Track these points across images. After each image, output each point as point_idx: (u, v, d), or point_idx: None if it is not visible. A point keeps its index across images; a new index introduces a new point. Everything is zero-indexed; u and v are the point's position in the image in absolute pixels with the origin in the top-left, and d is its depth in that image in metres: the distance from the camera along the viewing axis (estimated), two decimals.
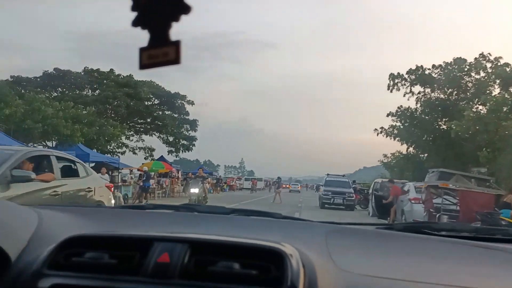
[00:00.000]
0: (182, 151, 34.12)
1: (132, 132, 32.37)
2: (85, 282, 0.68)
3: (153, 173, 23.27)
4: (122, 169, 21.56)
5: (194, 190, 14.93)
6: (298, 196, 38.43)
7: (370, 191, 17.38)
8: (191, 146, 34.74)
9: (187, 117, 35.18)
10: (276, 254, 0.71)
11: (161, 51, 0.44)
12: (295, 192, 54.26)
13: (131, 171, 21.50)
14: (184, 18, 0.44)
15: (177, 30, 0.43)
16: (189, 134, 34.73)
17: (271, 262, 0.70)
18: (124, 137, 30.94)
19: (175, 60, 0.43)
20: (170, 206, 1.39)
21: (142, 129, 32.83)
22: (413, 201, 11.47)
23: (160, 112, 32.98)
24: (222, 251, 0.73)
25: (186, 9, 0.42)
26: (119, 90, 29.14)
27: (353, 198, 20.28)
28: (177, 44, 0.43)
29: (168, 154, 33.02)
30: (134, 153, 31.30)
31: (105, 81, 29.97)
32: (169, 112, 33.65)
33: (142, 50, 0.44)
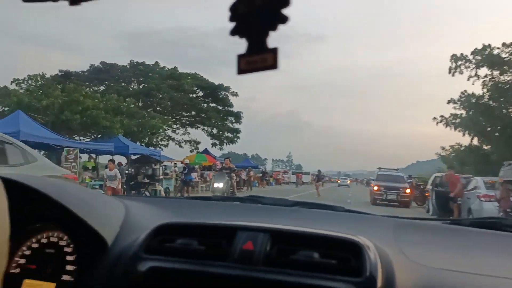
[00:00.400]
0: (226, 144, 33.87)
1: (178, 125, 32.82)
2: (179, 265, 0.76)
3: (197, 166, 23.31)
4: (164, 162, 21.61)
5: (218, 185, 12.64)
6: (347, 191, 37.11)
7: (429, 186, 16.29)
8: (235, 139, 34.36)
9: (231, 109, 34.82)
10: (354, 245, 0.76)
11: (260, 57, 0.47)
12: (344, 186, 54.05)
13: (175, 164, 21.55)
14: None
15: (275, 37, 0.45)
16: (233, 126, 34.47)
17: (350, 253, 0.75)
18: (170, 130, 31.43)
19: (273, 66, 0.46)
20: (235, 198, 1.50)
21: (187, 122, 33.15)
22: (483, 199, 10.40)
23: (204, 105, 32.99)
24: (301, 241, 0.78)
25: (284, 19, 0.45)
26: (163, 82, 29.70)
27: (408, 194, 18.72)
28: (274, 51, 0.46)
29: (212, 147, 33.07)
30: (180, 146, 31.67)
31: (150, 74, 30.47)
32: (213, 105, 33.67)
33: (240, 57, 0.47)
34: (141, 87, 30.46)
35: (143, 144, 23.98)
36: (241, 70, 0.47)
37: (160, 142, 29.51)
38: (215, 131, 33.02)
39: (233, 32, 0.48)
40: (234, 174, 12.44)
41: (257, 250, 0.76)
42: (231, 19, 0.48)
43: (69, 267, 0.88)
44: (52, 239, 0.91)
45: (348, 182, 63.42)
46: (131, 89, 30.04)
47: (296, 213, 1.25)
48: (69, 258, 0.89)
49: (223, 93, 33.74)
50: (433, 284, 0.77)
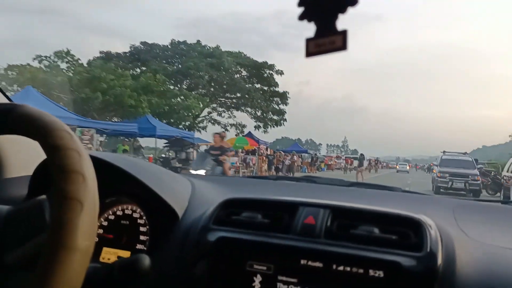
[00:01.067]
0: (271, 126, 32.46)
1: (224, 108, 32.43)
2: (246, 236, 0.83)
3: (239, 150, 22.70)
4: (199, 145, 21.10)
5: (198, 172, 8.08)
6: (405, 177, 34.95)
7: (506, 173, 14.55)
8: (281, 121, 32.84)
9: (276, 89, 33.22)
10: (414, 222, 0.80)
11: (328, 40, 0.48)
12: (403, 172, 52.19)
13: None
14: None
15: (343, 19, 0.49)
16: (279, 108, 33.02)
17: (409, 229, 0.79)
18: (216, 113, 31.55)
19: (342, 47, 0.47)
20: (291, 177, 1.58)
21: (232, 105, 32.54)
22: None
23: (249, 85, 31.81)
24: (361, 217, 0.83)
25: (354, 1, 0.45)
26: (202, 61, 29.19)
27: (478, 182, 16.59)
28: (344, 33, 0.46)
29: (255, 130, 32.26)
30: (226, 129, 31.11)
31: (191, 52, 29.91)
32: (258, 85, 32.63)
33: (308, 40, 0.48)
34: (180, 66, 30.11)
35: (181, 126, 22.62)
36: (310, 53, 0.49)
37: (198, 125, 28.09)
38: (259, 113, 31.99)
39: (302, 17, 0.50)
40: (226, 156, 8.98)
41: (318, 224, 0.82)
42: (300, 3, 0.50)
43: (142, 238, 0.98)
44: (126, 211, 1.02)
45: (408, 167, 61.12)
46: (170, 69, 29.72)
47: (353, 192, 1.29)
48: (142, 229, 0.99)
49: (267, 71, 32.30)
50: (494, 260, 0.79)
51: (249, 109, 31.89)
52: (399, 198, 1.24)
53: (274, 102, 32.55)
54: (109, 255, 0.97)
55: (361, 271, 0.73)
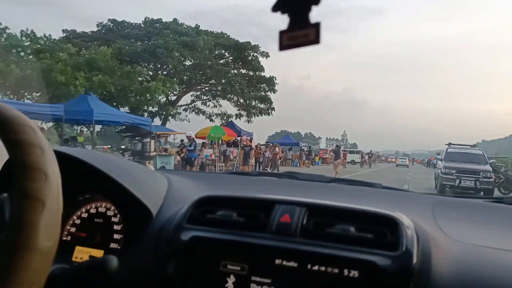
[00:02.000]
0: (255, 115, 30.47)
1: (208, 96, 30.78)
2: (220, 235, 0.86)
3: (218, 142, 21.49)
4: (158, 134, 19.31)
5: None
6: (405, 172, 34.04)
7: None
8: (269, 110, 30.73)
9: (262, 74, 31.14)
10: (390, 221, 0.83)
11: (301, 32, 0.49)
12: (403, 166, 53.05)
13: (190, 137, 17.60)
14: None
15: (317, 12, 0.51)
16: (267, 95, 31.02)
17: (386, 228, 0.82)
18: (200, 102, 30.01)
19: (315, 41, 0.48)
20: (272, 173, 1.66)
21: (218, 92, 30.53)
22: None
23: (226, 68, 29.46)
24: (337, 215, 0.86)
25: None
26: (174, 39, 26.69)
27: (491, 180, 14.11)
28: (317, 26, 0.48)
29: (236, 118, 30.59)
30: (211, 120, 29.89)
31: (164, 31, 28.08)
32: (242, 70, 30.63)
33: (282, 33, 0.49)
34: (149, 44, 27.92)
35: (146, 113, 19.58)
36: (283, 46, 0.50)
37: (173, 112, 26.97)
38: (241, 100, 30.14)
39: (275, 8, 0.51)
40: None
41: (294, 222, 0.84)
42: None
43: (116, 236, 1.00)
44: (100, 209, 1.04)
45: (407, 162, 62.35)
46: (136, 48, 27.31)
47: (333, 189, 1.33)
48: (116, 227, 1.01)
49: (251, 53, 30.13)
50: (471, 260, 0.82)
51: (230, 96, 29.99)
52: (379, 194, 1.29)
53: (261, 89, 30.65)
54: (82, 254, 1.01)
55: (336, 270, 0.77)
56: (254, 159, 21.36)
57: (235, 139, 23.14)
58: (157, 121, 27.19)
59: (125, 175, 1.00)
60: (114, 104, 18.08)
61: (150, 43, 27.20)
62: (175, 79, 26.25)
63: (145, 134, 15.52)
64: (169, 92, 26.00)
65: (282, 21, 0.51)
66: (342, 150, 44.68)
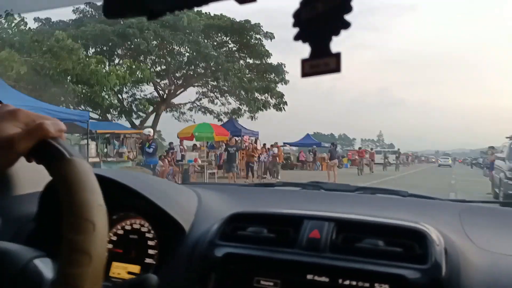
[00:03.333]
0: (260, 109, 26.97)
1: (216, 93, 27.87)
2: (252, 252, 0.96)
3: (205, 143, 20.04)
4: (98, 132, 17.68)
5: None
6: (448, 174, 31.85)
7: None
8: (281, 105, 27.78)
9: (268, 61, 27.23)
10: (418, 234, 0.92)
11: (323, 61, 0.53)
12: (445, 166, 52.68)
13: (149, 137, 13.56)
14: None
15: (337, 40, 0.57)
16: (275, 86, 27.55)
17: (414, 241, 0.91)
18: (207, 100, 27.80)
19: (336, 69, 0.53)
20: (297, 183, 1.70)
21: (226, 89, 27.30)
22: None
23: (218, 52, 24.95)
24: (366, 229, 0.96)
25: (347, 25, 0.51)
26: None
27: None
28: (337, 55, 0.52)
29: (235, 117, 27.87)
30: (220, 119, 27.45)
31: None
32: (251, 61, 27.38)
33: (304, 61, 0.54)
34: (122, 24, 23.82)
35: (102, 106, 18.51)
36: (305, 74, 0.56)
37: (164, 111, 24.53)
38: (243, 92, 26.37)
39: (297, 37, 0.56)
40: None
41: (323, 238, 0.94)
42: (294, 24, 0.56)
43: (151, 251, 1.12)
44: (134, 226, 1.17)
45: (450, 161, 62.12)
46: (107, 32, 23.02)
47: (359, 198, 1.42)
48: (150, 243, 1.13)
49: (252, 35, 26.06)
50: (500, 270, 0.89)
51: (230, 88, 26.74)
52: (405, 203, 1.36)
53: (267, 79, 27.02)
54: (119, 269, 1.11)
55: (367, 285, 0.85)
56: (246, 163, 18.60)
57: (236, 139, 19.59)
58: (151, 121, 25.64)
59: (156, 193, 1.13)
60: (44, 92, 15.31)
61: (122, 23, 22.97)
62: (150, 66, 23.31)
63: (80, 132, 13.79)
64: (146, 83, 22.22)
65: (304, 49, 0.55)
66: (370, 149, 40.49)
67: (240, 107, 27.65)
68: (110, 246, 1.18)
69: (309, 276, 0.89)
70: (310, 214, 1.01)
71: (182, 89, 28.07)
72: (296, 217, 1.01)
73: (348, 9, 0.49)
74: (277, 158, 20.52)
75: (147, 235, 1.16)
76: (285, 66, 27.07)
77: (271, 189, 1.67)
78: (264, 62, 26.72)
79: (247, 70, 26.46)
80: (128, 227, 1.19)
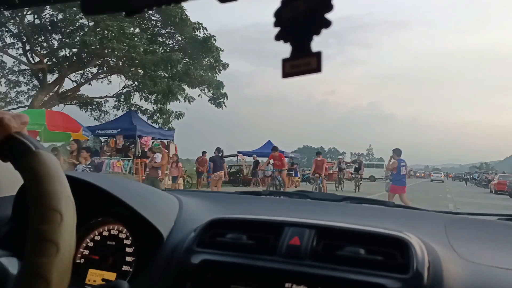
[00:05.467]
0: (168, 101, 22.05)
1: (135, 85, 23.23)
2: (230, 259, 1.01)
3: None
4: None
5: None
6: (442, 191, 31.36)
7: None
8: (220, 100, 23.45)
9: (195, 34, 21.82)
10: (400, 242, 0.97)
11: (303, 61, 0.58)
12: (438, 181, 56.26)
13: None
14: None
15: (318, 41, 0.61)
16: (213, 76, 23.03)
17: (396, 250, 0.95)
18: (139, 96, 23.62)
19: (316, 69, 0.57)
20: (284, 193, 1.89)
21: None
22: None
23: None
24: (347, 237, 1.01)
25: (327, 24, 0.56)
26: None
27: None
28: (318, 55, 0.57)
29: (147, 117, 23.54)
30: (155, 121, 23.28)
31: None
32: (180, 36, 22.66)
33: (284, 61, 0.59)
34: None
35: None
36: (286, 74, 0.61)
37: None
38: (150, 85, 21.06)
39: (278, 37, 0.62)
40: None
41: (304, 245, 0.99)
42: (276, 24, 0.62)
43: (128, 258, 1.18)
44: (112, 232, 1.23)
45: (442, 176, 66.88)
46: None
47: (345, 208, 1.52)
48: (128, 250, 1.20)
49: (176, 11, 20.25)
50: (482, 282, 0.94)
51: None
52: (391, 213, 1.46)
53: (205, 65, 22.31)
54: (95, 277, 1.17)
55: None
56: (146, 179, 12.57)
57: (123, 140, 17.39)
58: None
59: (136, 198, 1.18)
60: None
61: None
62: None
63: None
64: None
65: (286, 49, 0.62)
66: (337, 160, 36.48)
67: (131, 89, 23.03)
68: (87, 252, 1.23)
69: (287, 285, 0.94)
70: (290, 221, 1.06)
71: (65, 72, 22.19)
72: (277, 224, 1.06)
73: (329, 8, 0.55)
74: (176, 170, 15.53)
75: (125, 241, 1.22)
76: (215, 40, 21.77)
77: (257, 197, 1.76)
78: (193, 36, 21.42)
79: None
80: (106, 233, 1.24)
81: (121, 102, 24.61)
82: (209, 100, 23.78)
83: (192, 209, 1.34)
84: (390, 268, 0.91)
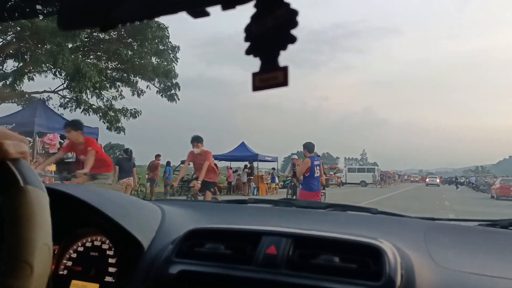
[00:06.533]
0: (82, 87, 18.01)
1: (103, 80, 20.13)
2: (208, 269, 1.06)
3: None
4: None
5: None
6: (437, 194, 31.70)
7: None
8: (171, 92, 21.17)
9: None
10: (374, 249, 1.01)
11: (272, 75, 0.63)
12: (433, 186, 57.33)
13: None
14: (302, 13, 0.64)
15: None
16: (158, 61, 20.77)
17: (370, 257, 1.00)
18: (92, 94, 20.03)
19: (284, 83, 0.62)
20: (270, 200, 1.89)
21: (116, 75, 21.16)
22: None
23: None
24: (323, 245, 1.05)
25: (293, 40, 0.60)
26: None
27: None
28: (285, 69, 0.62)
29: (100, 116, 20.77)
30: (105, 118, 20.72)
31: None
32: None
33: (254, 75, 0.63)
34: None
35: None
36: (256, 87, 0.65)
37: None
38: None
39: (248, 52, 0.67)
40: None
41: (280, 254, 1.04)
42: (246, 39, 0.67)
43: (111, 269, 1.23)
44: (95, 243, 1.28)
45: (438, 181, 68.35)
46: None
47: (328, 216, 1.60)
48: (111, 260, 1.25)
49: None
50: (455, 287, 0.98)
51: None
52: (374, 220, 1.53)
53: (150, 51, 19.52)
54: None
55: None
56: None
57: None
58: None
59: (117, 209, 1.23)
60: None
61: None
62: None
63: None
64: None
65: (255, 63, 0.65)
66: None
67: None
68: (70, 263, 1.27)
69: None
70: (268, 230, 1.10)
71: None
72: (254, 233, 1.11)
73: (294, 24, 0.60)
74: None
75: (108, 252, 1.26)
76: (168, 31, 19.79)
77: (242, 206, 1.83)
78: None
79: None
80: (89, 244, 1.29)
81: (66, 98, 20.79)
82: (158, 92, 20.88)
83: (175, 219, 1.38)
84: (364, 276, 0.96)
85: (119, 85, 20.91)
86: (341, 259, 1.00)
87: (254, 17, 0.63)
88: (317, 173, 9.17)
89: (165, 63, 20.50)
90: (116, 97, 21.01)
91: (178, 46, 20.77)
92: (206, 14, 0.59)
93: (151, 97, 21.31)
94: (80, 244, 1.29)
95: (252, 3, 0.61)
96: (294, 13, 0.59)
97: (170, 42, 20.41)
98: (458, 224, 1.49)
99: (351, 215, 1.61)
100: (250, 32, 0.65)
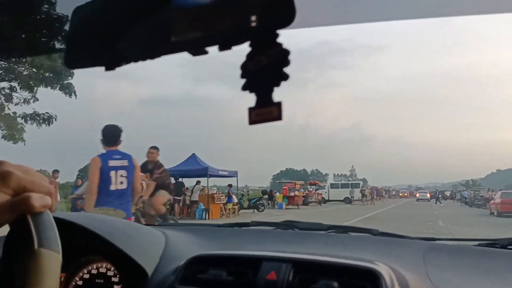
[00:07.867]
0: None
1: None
2: None
3: None
4: None
5: None
6: (429, 212, 29.84)
7: None
8: (69, 91, 18.33)
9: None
10: (371, 273, 1.07)
11: (267, 110, 0.68)
12: (423, 201, 58.00)
13: None
14: (288, 31, 0.68)
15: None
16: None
17: (368, 281, 1.06)
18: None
19: (278, 117, 0.66)
20: (271, 223, 1.97)
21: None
22: None
23: None
24: (322, 270, 1.11)
25: (285, 77, 0.65)
26: None
27: None
28: (279, 104, 0.67)
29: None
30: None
31: None
32: None
33: (250, 109, 0.69)
34: None
35: None
36: (252, 121, 0.70)
37: None
38: None
39: (244, 87, 0.72)
40: None
41: (280, 280, 1.10)
42: (242, 75, 0.72)
43: None
44: (101, 270, 1.36)
45: (428, 195, 68.65)
46: None
47: (330, 238, 1.68)
48: (116, 287, 1.30)
49: None
50: None
51: None
52: (374, 241, 1.61)
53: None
54: None
55: None
56: None
57: None
58: None
59: (120, 236, 1.28)
60: None
61: None
62: None
63: None
64: None
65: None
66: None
67: None
68: None
69: None
70: (268, 256, 1.17)
71: None
72: (255, 259, 1.17)
73: (287, 63, 0.65)
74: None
75: (113, 279, 1.32)
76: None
77: (245, 229, 1.90)
78: None
79: None
80: (94, 271, 1.35)
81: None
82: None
83: (178, 245, 1.45)
84: None
85: None
86: (339, 284, 1.06)
87: (250, 55, 0.69)
88: (121, 183, 5.11)
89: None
90: None
91: (68, 17, 16.48)
92: (205, 52, 0.65)
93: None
94: (86, 272, 1.36)
95: (247, 43, 0.66)
96: (287, 52, 0.64)
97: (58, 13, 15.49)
98: (457, 244, 1.56)
99: (352, 237, 1.68)
100: (246, 69, 0.71)
